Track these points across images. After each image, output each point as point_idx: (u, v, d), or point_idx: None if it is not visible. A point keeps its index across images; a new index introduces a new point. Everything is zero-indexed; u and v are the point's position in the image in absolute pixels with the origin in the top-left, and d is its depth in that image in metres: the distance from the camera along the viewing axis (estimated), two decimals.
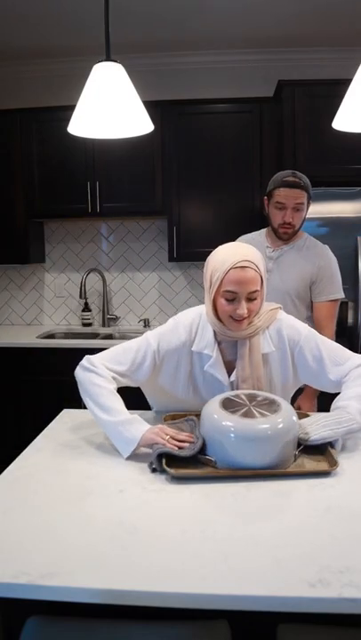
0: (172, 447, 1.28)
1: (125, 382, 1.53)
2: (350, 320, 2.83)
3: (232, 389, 1.50)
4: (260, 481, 1.22)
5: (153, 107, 2.62)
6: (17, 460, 1.37)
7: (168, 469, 1.24)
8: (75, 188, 3.31)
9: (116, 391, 1.46)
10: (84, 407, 1.56)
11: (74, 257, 3.76)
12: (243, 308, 1.40)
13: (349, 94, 1.40)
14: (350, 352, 1.54)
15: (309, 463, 1.31)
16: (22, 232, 3.41)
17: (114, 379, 1.49)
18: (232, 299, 1.40)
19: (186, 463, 1.29)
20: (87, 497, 1.17)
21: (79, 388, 1.51)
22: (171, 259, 3.33)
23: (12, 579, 0.87)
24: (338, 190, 2.83)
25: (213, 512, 1.09)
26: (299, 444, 1.32)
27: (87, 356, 1.53)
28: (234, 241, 3.31)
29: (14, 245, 3.42)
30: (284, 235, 2.12)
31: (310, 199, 2.10)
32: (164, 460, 1.26)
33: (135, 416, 1.39)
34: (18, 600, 0.90)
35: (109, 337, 3.55)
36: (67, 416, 1.73)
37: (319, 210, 2.67)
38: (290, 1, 2.77)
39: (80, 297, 3.60)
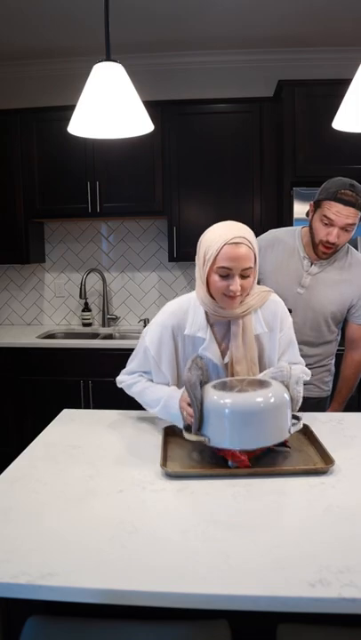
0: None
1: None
2: None
3: (226, 371, 1.51)
4: (259, 481, 1.22)
5: (153, 107, 2.62)
6: (17, 459, 1.37)
7: (165, 469, 1.24)
8: (75, 188, 3.32)
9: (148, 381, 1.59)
10: (85, 407, 1.56)
11: (74, 257, 3.77)
12: (236, 284, 1.39)
13: (349, 94, 1.40)
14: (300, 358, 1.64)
15: (306, 462, 1.31)
16: (22, 232, 3.41)
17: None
18: (226, 275, 1.40)
19: (185, 462, 1.29)
20: (87, 497, 1.17)
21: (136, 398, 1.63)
22: (171, 259, 3.34)
23: (11, 579, 0.87)
24: None
25: (213, 512, 1.09)
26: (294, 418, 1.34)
27: (117, 379, 1.66)
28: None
29: (14, 245, 3.42)
30: (323, 255, 1.83)
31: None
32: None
33: (167, 393, 1.50)
34: (18, 600, 0.90)
35: (109, 337, 3.55)
36: (67, 416, 1.73)
37: None
38: (290, 1, 2.77)
39: (80, 297, 3.60)
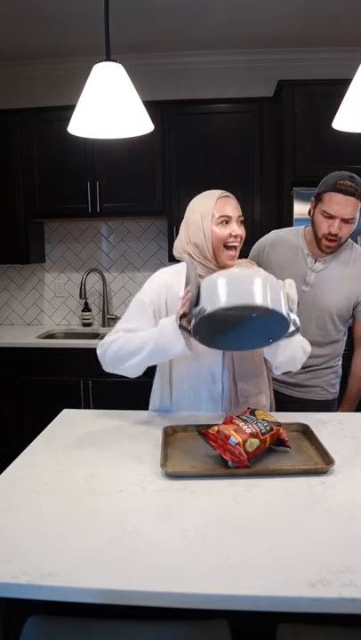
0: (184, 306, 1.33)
1: None
2: (351, 320, 2.82)
3: None
4: (259, 481, 1.22)
5: (153, 107, 2.61)
6: (17, 459, 1.37)
7: (165, 469, 1.25)
8: (75, 188, 3.32)
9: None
10: (85, 407, 1.56)
11: (74, 257, 3.77)
12: (236, 229, 1.53)
13: (349, 94, 1.40)
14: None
15: (306, 462, 1.31)
16: (22, 232, 3.41)
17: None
18: (227, 221, 1.53)
19: (185, 462, 1.29)
20: (87, 497, 1.17)
21: (109, 365, 1.55)
22: (171, 259, 3.32)
23: (11, 579, 0.87)
24: None
25: (213, 512, 1.09)
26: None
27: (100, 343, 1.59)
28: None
29: (14, 245, 3.43)
30: (327, 248, 1.83)
31: None
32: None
33: (154, 330, 1.45)
34: (18, 600, 0.90)
35: None
36: (67, 416, 1.73)
37: None
38: (290, 1, 2.77)
39: (80, 297, 3.60)
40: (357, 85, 1.37)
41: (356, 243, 2.74)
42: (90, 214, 3.35)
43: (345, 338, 2.00)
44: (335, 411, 2.01)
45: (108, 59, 1.47)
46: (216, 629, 0.91)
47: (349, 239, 1.91)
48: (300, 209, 2.90)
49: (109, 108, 1.45)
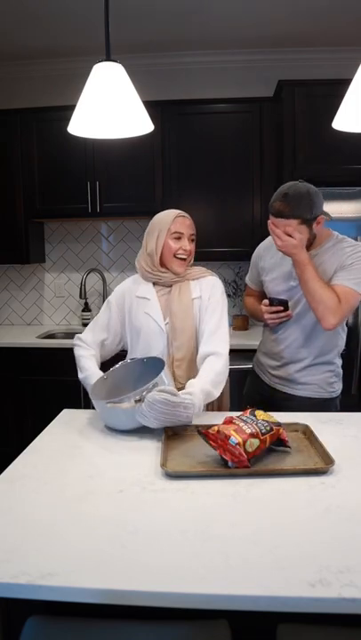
0: None
1: (113, 340, 1.91)
2: (351, 320, 2.83)
3: (166, 334, 1.81)
4: (259, 481, 1.22)
5: (153, 107, 2.61)
6: (17, 459, 1.37)
7: (165, 469, 1.24)
8: (75, 188, 3.31)
9: (94, 355, 1.88)
10: (85, 407, 1.57)
11: (74, 257, 3.76)
12: (187, 245, 1.82)
13: (349, 94, 1.40)
14: (223, 341, 1.80)
15: (306, 462, 1.31)
16: (22, 232, 3.41)
17: (102, 342, 1.90)
18: (179, 238, 1.82)
19: (185, 463, 1.29)
20: (87, 497, 1.17)
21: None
22: None
23: (11, 579, 0.87)
24: (338, 190, 2.83)
25: (213, 512, 1.09)
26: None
27: (77, 335, 1.92)
28: (232, 242, 3.32)
29: (14, 245, 3.42)
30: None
31: (311, 220, 1.80)
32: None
33: (95, 371, 1.79)
34: (18, 600, 0.90)
35: None
36: (67, 416, 1.73)
37: None
38: (290, 1, 2.77)
39: (80, 297, 3.60)
40: (357, 85, 1.37)
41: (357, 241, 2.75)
42: (90, 214, 3.35)
43: (344, 335, 2.00)
44: (334, 411, 2.00)
45: (108, 59, 1.47)
46: (216, 629, 0.91)
47: (336, 232, 1.96)
48: None
49: (109, 107, 1.45)
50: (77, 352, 1.87)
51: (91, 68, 1.48)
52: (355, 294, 1.83)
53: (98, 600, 0.86)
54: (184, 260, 1.83)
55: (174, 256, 1.82)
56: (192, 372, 1.80)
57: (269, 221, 1.85)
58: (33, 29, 3.08)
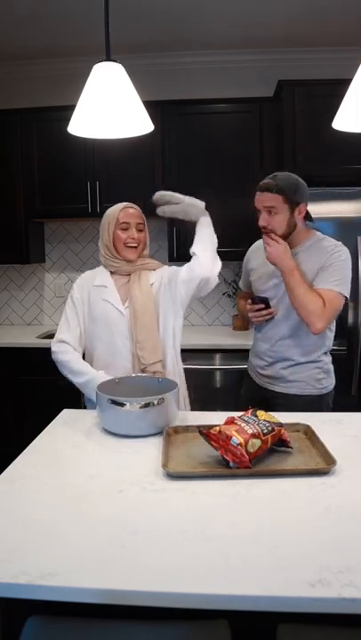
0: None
1: (84, 334, 1.95)
2: (350, 320, 2.82)
3: (127, 319, 1.88)
4: (260, 481, 1.22)
5: (153, 107, 2.60)
6: (17, 459, 1.37)
7: (167, 469, 1.24)
8: (75, 188, 3.31)
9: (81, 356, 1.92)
10: (84, 407, 1.58)
11: (74, 257, 3.76)
12: (134, 233, 1.92)
13: (349, 94, 1.40)
14: None
15: (308, 462, 1.31)
16: (22, 232, 3.41)
17: (79, 338, 1.93)
18: (126, 228, 1.92)
19: (186, 463, 1.29)
20: (87, 497, 1.17)
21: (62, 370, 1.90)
22: (171, 259, 3.33)
23: (11, 579, 0.87)
24: (338, 190, 2.83)
25: (213, 512, 1.09)
26: None
27: (52, 342, 1.95)
28: (232, 242, 3.32)
29: (14, 245, 3.42)
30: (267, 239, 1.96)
31: (294, 202, 1.90)
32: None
33: (98, 373, 1.81)
34: (18, 600, 0.90)
35: None
36: (67, 416, 1.73)
37: (319, 210, 2.67)
38: (290, 1, 2.77)
39: None
40: (357, 85, 1.37)
41: (356, 242, 2.75)
42: (90, 214, 3.34)
43: (331, 335, 2.02)
44: (324, 409, 2.01)
45: (108, 59, 1.47)
46: (216, 629, 0.91)
47: (319, 232, 2.01)
48: None
49: (109, 107, 1.45)
50: (64, 357, 1.88)
51: (91, 67, 1.48)
52: (338, 296, 1.89)
53: (98, 600, 0.86)
54: (135, 247, 1.92)
55: (124, 245, 1.92)
56: (156, 353, 1.88)
57: (264, 236, 1.96)
58: (33, 29, 3.07)
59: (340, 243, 1.98)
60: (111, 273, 1.97)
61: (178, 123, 3.24)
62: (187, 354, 3.12)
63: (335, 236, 2.03)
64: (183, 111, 3.25)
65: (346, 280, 1.91)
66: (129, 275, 1.95)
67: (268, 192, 1.92)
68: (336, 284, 1.87)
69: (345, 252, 1.94)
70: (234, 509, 1.10)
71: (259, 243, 2.17)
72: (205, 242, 1.93)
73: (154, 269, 1.99)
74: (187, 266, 1.92)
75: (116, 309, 1.90)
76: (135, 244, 1.92)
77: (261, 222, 1.96)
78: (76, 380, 1.85)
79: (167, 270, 1.98)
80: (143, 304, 1.88)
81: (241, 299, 2.31)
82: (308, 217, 2.00)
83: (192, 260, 1.91)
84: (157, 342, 1.90)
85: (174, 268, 1.97)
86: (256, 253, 2.16)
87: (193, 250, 1.92)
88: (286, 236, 1.95)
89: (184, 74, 3.53)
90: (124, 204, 1.98)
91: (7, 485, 1.22)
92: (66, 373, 1.88)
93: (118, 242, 1.93)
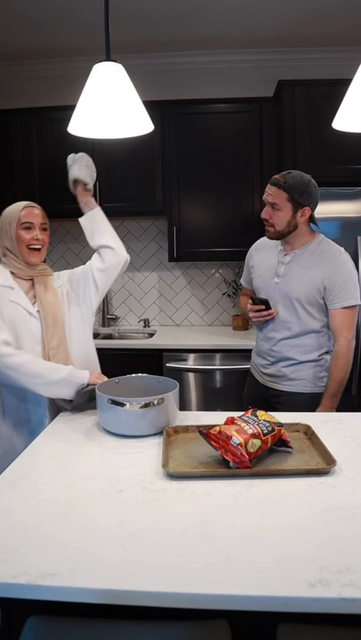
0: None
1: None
2: None
3: (40, 322, 1.76)
4: (260, 481, 1.22)
5: (153, 107, 2.62)
6: (17, 459, 1.37)
7: (167, 469, 1.24)
8: None
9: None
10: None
11: (74, 257, 3.76)
12: (39, 234, 1.79)
13: (349, 94, 1.40)
14: None
15: (308, 462, 1.31)
16: None
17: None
18: (29, 227, 1.78)
19: (186, 463, 1.29)
20: (87, 497, 1.17)
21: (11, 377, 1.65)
22: (171, 259, 3.33)
23: (11, 579, 0.87)
24: (338, 190, 2.83)
25: (213, 512, 1.09)
26: None
27: None
28: (232, 242, 3.32)
29: None
30: (266, 233, 2.03)
31: (298, 203, 1.92)
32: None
33: (69, 367, 1.70)
34: (18, 600, 0.90)
35: (109, 337, 3.55)
36: (67, 416, 1.73)
37: (319, 210, 2.66)
38: (290, 1, 2.77)
39: None
40: (357, 85, 1.37)
41: (356, 242, 2.75)
42: None
43: (330, 332, 2.03)
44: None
45: (108, 59, 1.47)
46: (216, 629, 0.91)
47: (321, 235, 2.04)
48: None
49: (109, 107, 1.45)
50: (18, 359, 1.63)
51: (91, 67, 1.48)
52: (352, 310, 1.96)
53: (98, 600, 0.86)
54: (38, 250, 1.80)
55: (27, 247, 1.78)
56: (68, 359, 1.79)
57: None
58: (33, 29, 3.08)
59: (343, 249, 2.02)
60: (12, 274, 1.80)
61: (178, 123, 3.25)
62: (187, 354, 3.13)
63: (335, 235, 2.04)
64: (183, 111, 3.25)
65: (356, 288, 1.98)
66: (31, 279, 1.82)
67: (275, 187, 1.94)
68: (353, 300, 1.95)
69: (348, 259, 1.99)
70: (234, 509, 1.10)
71: (262, 240, 2.19)
72: (111, 231, 1.99)
73: (51, 275, 1.91)
74: (98, 259, 1.91)
75: (26, 311, 1.75)
76: (39, 246, 1.79)
77: (263, 214, 1.99)
78: (48, 378, 1.64)
79: (65, 274, 1.95)
80: (54, 310, 1.79)
81: (243, 296, 2.34)
82: (312, 220, 2.02)
83: (102, 251, 1.91)
84: (67, 351, 1.81)
85: (72, 270, 1.97)
86: (258, 250, 2.18)
87: (102, 242, 1.93)
88: (285, 235, 1.99)
89: (184, 74, 3.53)
90: (26, 202, 1.85)
91: (7, 485, 1.22)
92: (24, 380, 1.63)
93: (21, 243, 1.77)
